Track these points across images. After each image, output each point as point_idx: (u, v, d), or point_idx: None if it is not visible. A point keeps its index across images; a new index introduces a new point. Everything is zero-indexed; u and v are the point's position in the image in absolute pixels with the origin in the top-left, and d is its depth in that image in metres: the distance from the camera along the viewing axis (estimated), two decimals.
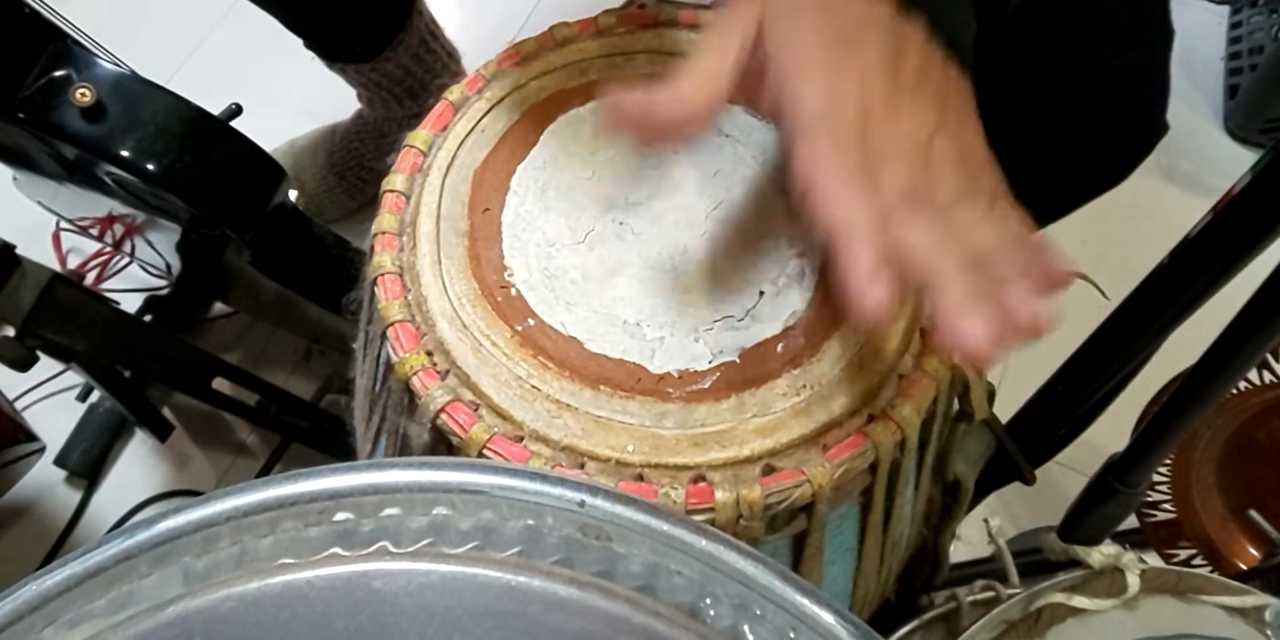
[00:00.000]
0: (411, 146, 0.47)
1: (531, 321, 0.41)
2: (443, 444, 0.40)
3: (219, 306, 1.06)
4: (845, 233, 0.34)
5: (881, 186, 0.35)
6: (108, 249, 1.05)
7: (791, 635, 0.28)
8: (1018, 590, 0.54)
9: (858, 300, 0.33)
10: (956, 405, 0.47)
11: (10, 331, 0.73)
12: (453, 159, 0.46)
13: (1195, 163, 1.15)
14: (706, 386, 0.40)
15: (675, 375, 0.40)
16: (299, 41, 0.95)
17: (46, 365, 0.80)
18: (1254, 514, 0.74)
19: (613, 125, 0.38)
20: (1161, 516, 0.78)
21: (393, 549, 0.28)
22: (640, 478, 0.38)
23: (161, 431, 0.92)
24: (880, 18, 0.37)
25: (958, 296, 0.34)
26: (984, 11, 0.42)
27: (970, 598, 0.56)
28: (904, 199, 0.35)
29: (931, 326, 0.42)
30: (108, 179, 0.69)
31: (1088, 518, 0.58)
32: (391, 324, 0.41)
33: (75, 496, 0.97)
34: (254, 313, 1.02)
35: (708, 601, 0.28)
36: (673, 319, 0.42)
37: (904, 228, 0.34)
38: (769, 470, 0.39)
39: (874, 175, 0.35)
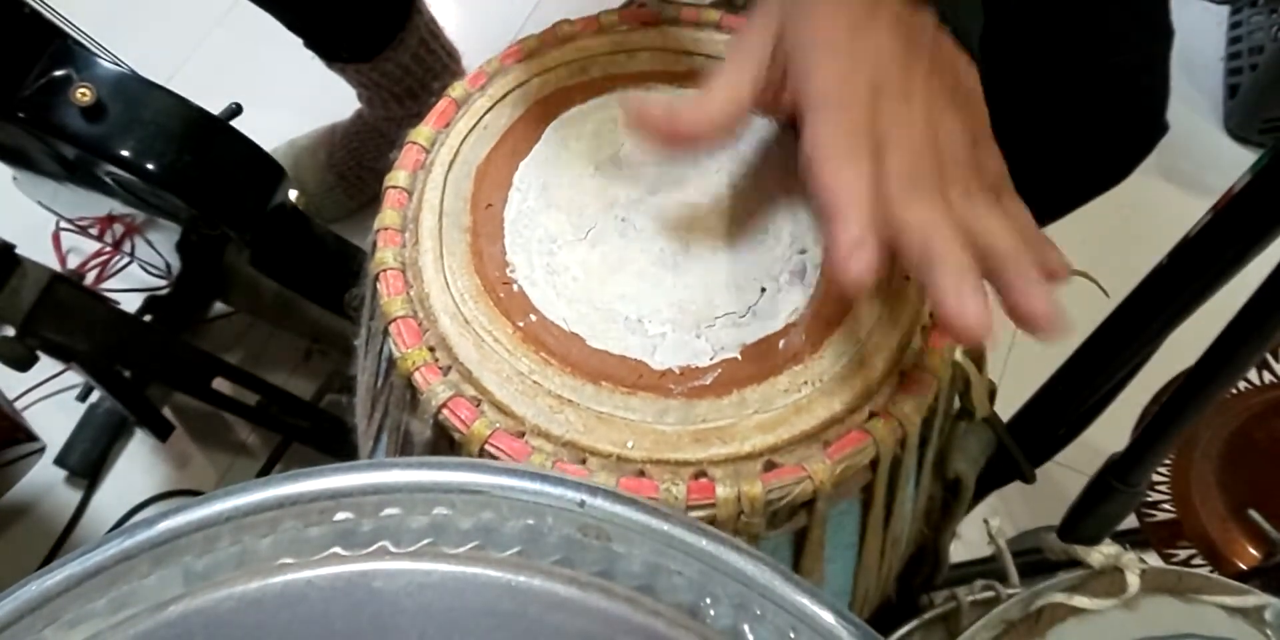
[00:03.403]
0: (414, 143, 0.47)
1: (533, 317, 0.41)
2: (444, 440, 0.40)
3: (219, 306, 1.06)
4: (836, 204, 0.35)
5: (886, 166, 0.36)
6: (108, 249, 1.05)
7: (791, 635, 0.28)
8: (1018, 590, 0.54)
9: (839, 269, 0.34)
10: (957, 403, 0.47)
11: (10, 331, 0.73)
12: (455, 155, 0.46)
13: (1195, 163, 1.15)
14: (708, 383, 0.40)
15: (677, 371, 0.40)
16: (299, 41, 0.95)
17: (46, 365, 0.80)
18: (1254, 514, 0.74)
19: (638, 130, 0.40)
20: (1161, 516, 0.78)
21: (393, 549, 0.28)
22: (641, 473, 0.38)
23: (161, 431, 0.92)
24: (890, 7, 0.38)
25: (954, 278, 0.34)
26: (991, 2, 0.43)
27: (970, 597, 0.56)
28: (907, 179, 0.36)
29: (933, 323, 0.42)
30: (108, 179, 0.69)
31: (1088, 517, 0.58)
32: (394, 320, 0.41)
33: (75, 496, 0.97)
34: (254, 313, 1.02)
35: (708, 601, 0.28)
36: (674, 315, 0.42)
37: (904, 206, 0.35)
38: (770, 466, 0.39)
39: (878, 155, 0.36)
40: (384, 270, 0.43)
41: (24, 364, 0.73)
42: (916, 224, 0.35)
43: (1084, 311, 0.55)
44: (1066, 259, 0.37)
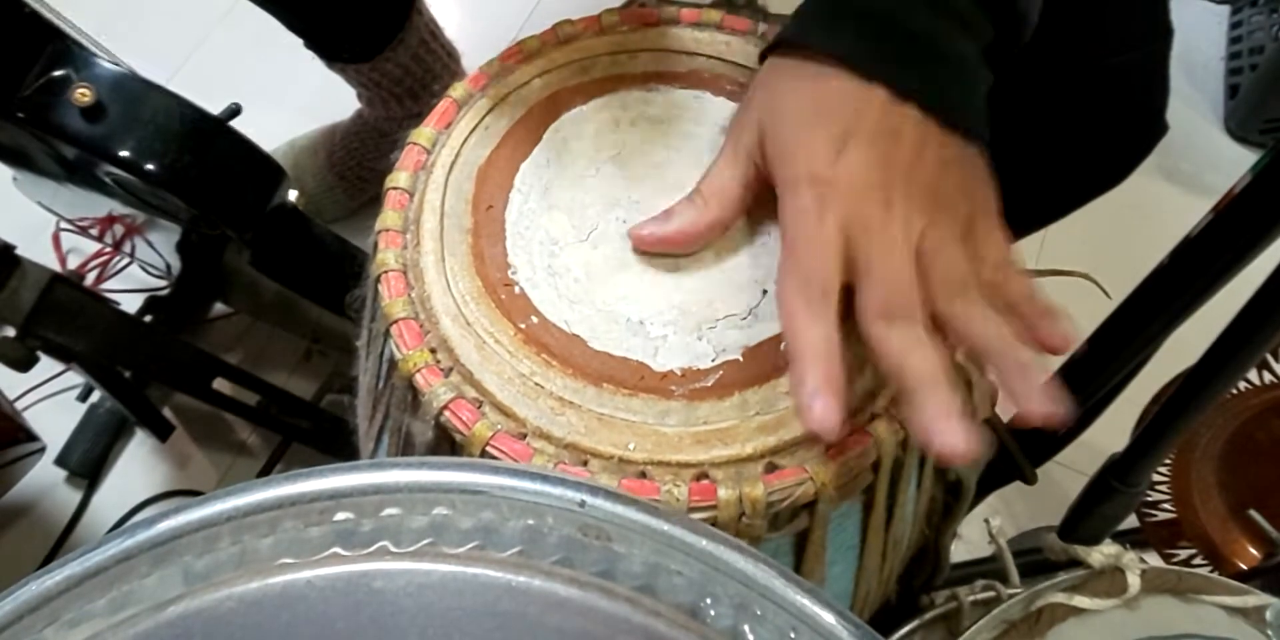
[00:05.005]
0: (415, 144, 0.47)
1: (535, 319, 0.41)
2: (446, 441, 0.40)
3: (219, 306, 1.06)
4: (797, 355, 0.36)
5: (862, 300, 0.37)
6: (108, 249, 1.05)
7: (792, 635, 0.28)
8: (1018, 590, 0.54)
9: (800, 414, 0.36)
10: None
11: (10, 331, 0.73)
12: (456, 156, 0.46)
13: (1195, 163, 1.15)
14: (709, 384, 0.40)
15: (678, 373, 0.40)
16: (299, 41, 0.95)
17: (46, 365, 0.80)
18: (1254, 514, 0.74)
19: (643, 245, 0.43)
20: (1161, 516, 0.78)
21: (393, 549, 0.28)
22: (643, 475, 0.38)
23: (161, 431, 0.92)
24: (869, 115, 0.39)
25: (932, 407, 0.35)
26: (996, 59, 0.43)
27: (971, 597, 0.56)
28: (883, 310, 0.37)
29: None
30: (108, 179, 0.69)
31: (1088, 518, 0.58)
32: (395, 321, 0.41)
33: (75, 496, 0.97)
34: (254, 313, 1.02)
35: (708, 601, 0.28)
36: (676, 317, 0.42)
37: (881, 337, 0.36)
38: (771, 468, 0.39)
39: (859, 286, 0.37)
40: (385, 272, 0.43)
41: (24, 364, 0.73)
42: (895, 352, 0.36)
43: (1084, 311, 0.55)
44: (1075, 330, 0.39)
